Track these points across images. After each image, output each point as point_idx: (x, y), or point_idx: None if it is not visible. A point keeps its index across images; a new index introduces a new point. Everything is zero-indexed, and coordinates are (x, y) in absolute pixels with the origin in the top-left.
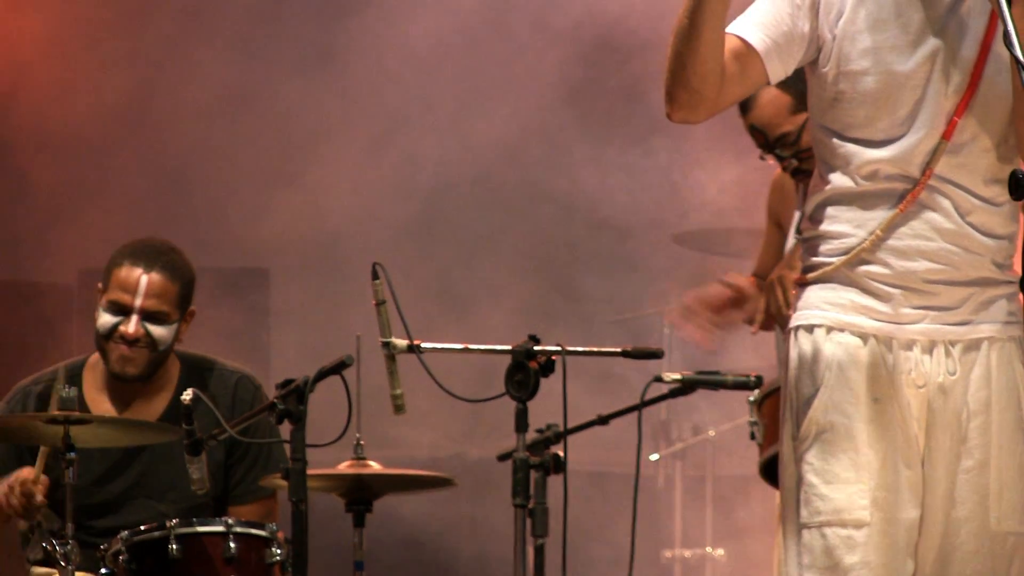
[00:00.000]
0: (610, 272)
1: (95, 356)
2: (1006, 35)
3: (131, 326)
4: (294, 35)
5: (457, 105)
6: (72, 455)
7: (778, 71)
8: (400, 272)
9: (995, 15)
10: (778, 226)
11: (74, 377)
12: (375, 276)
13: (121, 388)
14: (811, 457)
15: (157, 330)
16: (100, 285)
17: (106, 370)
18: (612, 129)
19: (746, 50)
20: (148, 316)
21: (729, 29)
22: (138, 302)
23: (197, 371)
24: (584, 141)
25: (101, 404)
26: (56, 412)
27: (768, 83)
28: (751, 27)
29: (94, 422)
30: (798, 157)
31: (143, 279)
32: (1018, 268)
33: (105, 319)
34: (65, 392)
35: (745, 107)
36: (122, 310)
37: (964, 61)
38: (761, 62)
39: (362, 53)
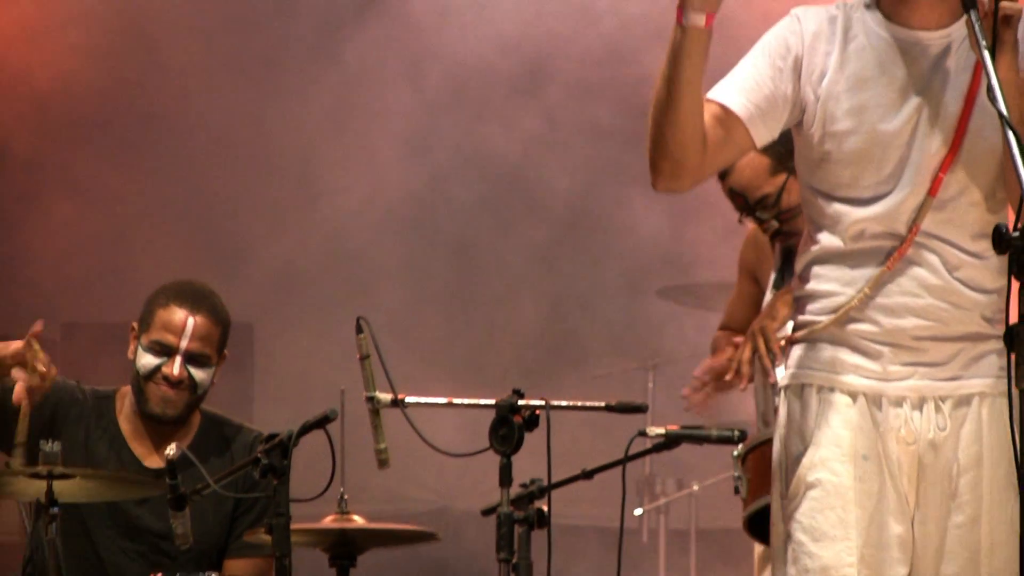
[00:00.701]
0: (596, 326)
1: (124, 390)
2: (990, 89)
3: (175, 368)
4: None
5: (441, 158)
6: (55, 510)
7: (763, 136)
8: (385, 325)
9: (979, 69)
10: (753, 280)
11: (106, 412)
12: (359, 330)
13: (147, 428)
14: (799, 515)
15: (199, 373)
16: (135, 325)
17: (135, 409)
18: None
19: (729, 116)
20: (191, 358)
21: (711, 95)
22: (183, 344)
23: (217, 425)
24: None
25: (140, 443)
26: (40, 467)
27: (755, 148)
28: (733, 92)
29: (78, 476)
30: (779, 219)
31: (190, 321)
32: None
33: (147, 360)
34: (49, 447)
35: (724, 171)
36: (166, 351)
37: (949, 117)
38: (745, 128)
39: (347, 112)
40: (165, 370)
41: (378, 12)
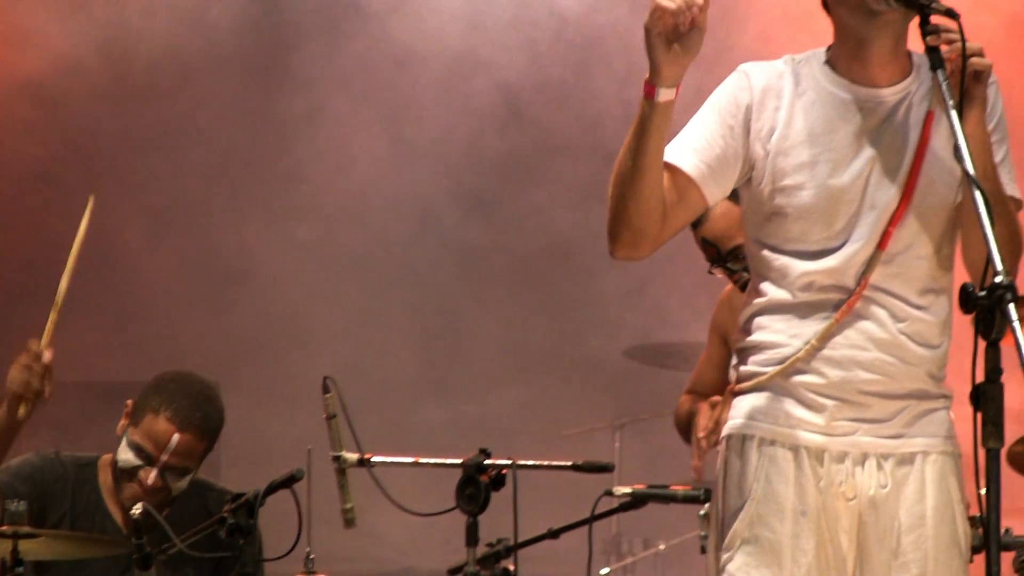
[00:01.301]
0: (563, 385)
1: (106, 458)
2: (957, 149)
3: (151, 477)
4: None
5: (403, 214)
6: (20, 569)
7: (716, 194)
8: (353, 385)
9: (930, 124)
10: (724, 342)
11: (88, 480)
12: (326, 390)
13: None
14: (734, 569)
15: (177, 482)
16: (129, 404)
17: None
18: None
19: (681, 178)
20: (170, 469)
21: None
22: (164, 457)
23: (199, 489)
24: None
25: (123, 512)
26: (5, 527)
27: (708, 207)
28: (685, 153)
29: (44, 536)
30: (749, 271)
31: (174, 438)
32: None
33: (128, 457)
34: (15, 506)
35: (696, 221)
36: (146, 458)
37: (899, 171)
38: (698, 188)
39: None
40: (142, 475)
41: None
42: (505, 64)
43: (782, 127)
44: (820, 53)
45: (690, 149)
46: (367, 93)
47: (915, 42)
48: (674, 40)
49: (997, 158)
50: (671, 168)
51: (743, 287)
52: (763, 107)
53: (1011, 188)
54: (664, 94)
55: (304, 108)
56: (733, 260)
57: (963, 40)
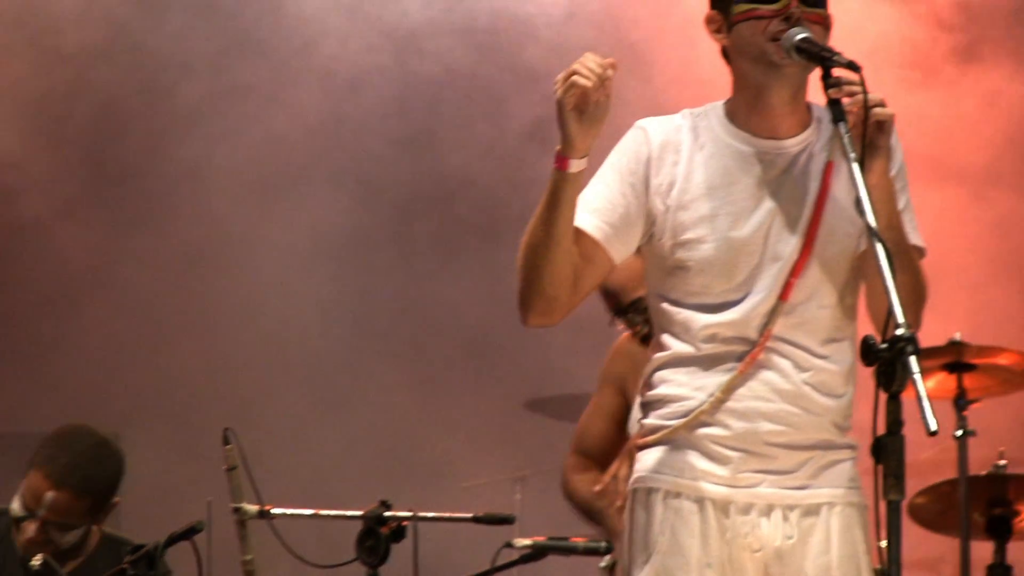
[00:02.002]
0: (463, 437)
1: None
2: (859, 202)
3: (32, 530)
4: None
5: (318, 279)
6: None
7: (622, 253)
8: (253, 436)
9: (829, 174)
10: (619, 392)
11: (2, 529)
12: (226, 441)
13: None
14: None
15: (60, 536)
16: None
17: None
18: None
19: (588, 241)
20: (51, 524)
21: None
22: (41, 513)
23: (114, 544)
24: None
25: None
26: None
27: (615, 266)
28: (588, 216)
29: None
30: (649, 323)
31: (48, 495)
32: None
33: (15, 507)
34: None
35: None
36: (28, 511)
37: (799, 222)
38: (604, 250)
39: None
40: (24, 527)
41: None
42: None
43: (681, 181)
44: (719, 106)
45: (593, 211)
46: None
47: (816, 93)
48: (584, 111)
49: (899, 206)
50: (577, 232)
51: (643, 339)
52: (662, 162)
53: (914, 237)
54: (576, 165)
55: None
56: (634, 312)
57: (865, 92)
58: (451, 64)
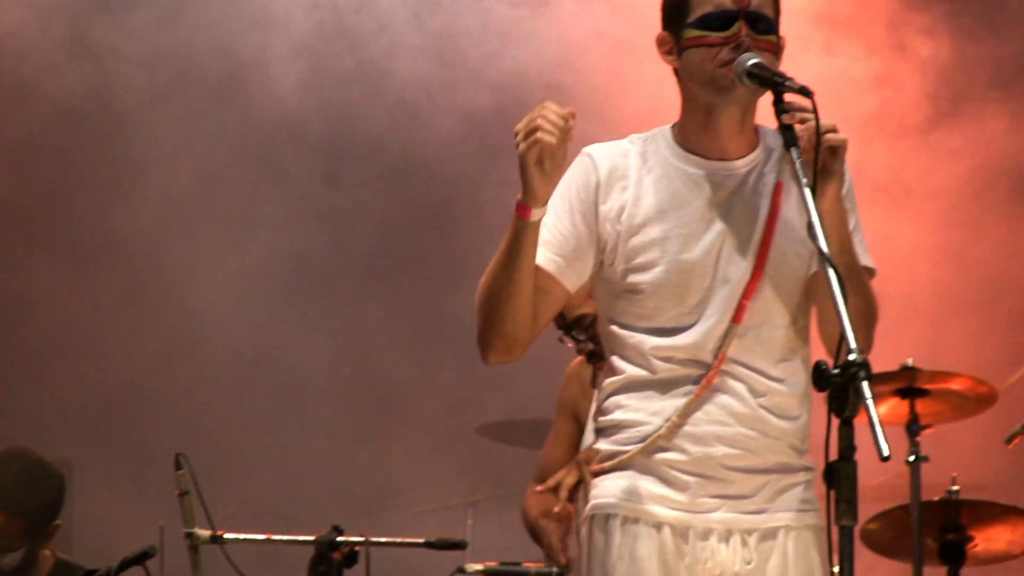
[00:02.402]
0: (415, 462)
1: None
2: (811, 227)
3: None
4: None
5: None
6: None
7: (575, 282)
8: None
9: (778, 196)
10: (573, 418)
11: None
12: (178, 466)
13: None
14: None
15: (2, 558)
16: None
17: None
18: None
19: (543, 275)
20: None
21: None
22: None
23: (68, 569)
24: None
25: None
26: None
27: (570, 296)
28: (541, 249)
29: None
30: (594, 340)
31: None
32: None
33: None
34: None
35: None
36: None
37: (750, 244)
38: (559, 282)
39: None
40: None
41: None
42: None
43: (631, 206)
44: (665, 130)
45: (545, 243)
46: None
47: (766, 118)
48: (545, 162)
49: (849, 227)
50: (538, 270)
51: (588, 356)
52: (610, 188)
53: (865, 258)
54: (538, 213)
55: None
56: (578, 329)
57: (816, 118)
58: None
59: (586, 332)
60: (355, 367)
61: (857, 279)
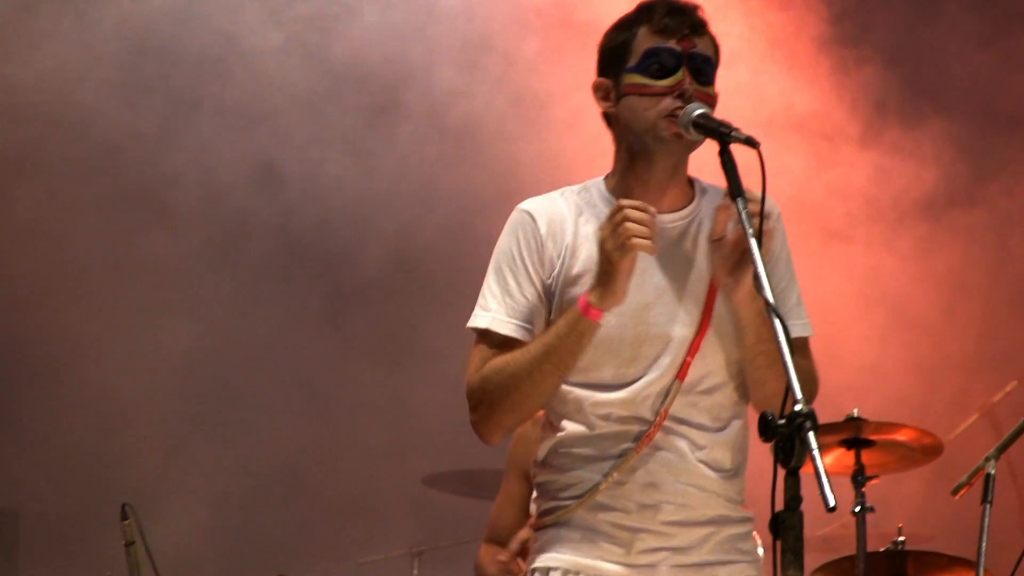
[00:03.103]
0: (360, 512)
1: None
2: (756, 278)
3: None
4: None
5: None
6: None
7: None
8: (150, 509)
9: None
10: (523, 478)
11: None
12: (124, 516)
13: None
14: None
15: None
16: None
17: None
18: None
19: (513, 342)
20: None
21: (485, 325)
22: None
23: None
24: None
25: None
26: None
27: None
28: (505, 322)
29: None
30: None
31: None
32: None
33: None
34: None
35: None
36: None
37: (694, 300)
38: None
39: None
40: None
41: None
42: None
43: (569, 259)
44: (599, 182)
45: (507, 313)
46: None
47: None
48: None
49: (793, 297)
50: (509, 340)
51: None
52: (551, 241)
53: (805, 327)
54: (604, 317)
55: None
56: None
57: (763, 171)
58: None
59: None
60: (302, 417)
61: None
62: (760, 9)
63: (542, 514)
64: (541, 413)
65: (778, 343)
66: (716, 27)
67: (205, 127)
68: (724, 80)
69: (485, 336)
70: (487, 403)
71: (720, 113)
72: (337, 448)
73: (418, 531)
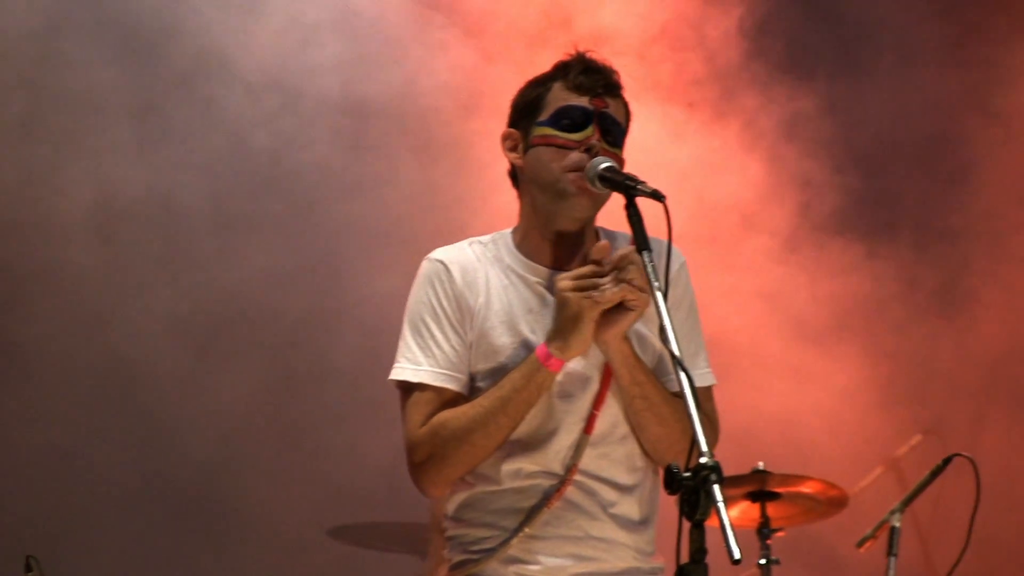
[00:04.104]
0: (263, 564)
1: None
2: (662, 330)
3: None
4: None
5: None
6: None
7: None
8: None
9: None
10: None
11: None
12: (28, 568)
13: None
14: None
15: None
16: None
17: None
18: None
19: (453, 395)
20: None
21: (417, 379)
22: None
23: None
24: None
25: None
26: None
27: None
28: (444, 376)
29: None
30: None
31: None
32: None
33: None
34: None
35: None
36: None
37: (596, 353)
38: (459, 394)
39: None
40: None
41: None
42: None
43: (482, 310)
44: (506, 235)
45: (439, 366)
46: None
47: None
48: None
49: (694, 346)
50: (443, 391)
51: None
52: (467, 291)
53: (708, 376)
54: (565, 366)
55: None
56: None
57: (669, 224)
58: None
59: None
60: (201, 471)
61: (669, 408)
62: None
63: (453, 567)
64: None
65: (683, 395)
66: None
67: None
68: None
69: (418, 389)
70: (438, 456)
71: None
72: (237, 498)
73: None
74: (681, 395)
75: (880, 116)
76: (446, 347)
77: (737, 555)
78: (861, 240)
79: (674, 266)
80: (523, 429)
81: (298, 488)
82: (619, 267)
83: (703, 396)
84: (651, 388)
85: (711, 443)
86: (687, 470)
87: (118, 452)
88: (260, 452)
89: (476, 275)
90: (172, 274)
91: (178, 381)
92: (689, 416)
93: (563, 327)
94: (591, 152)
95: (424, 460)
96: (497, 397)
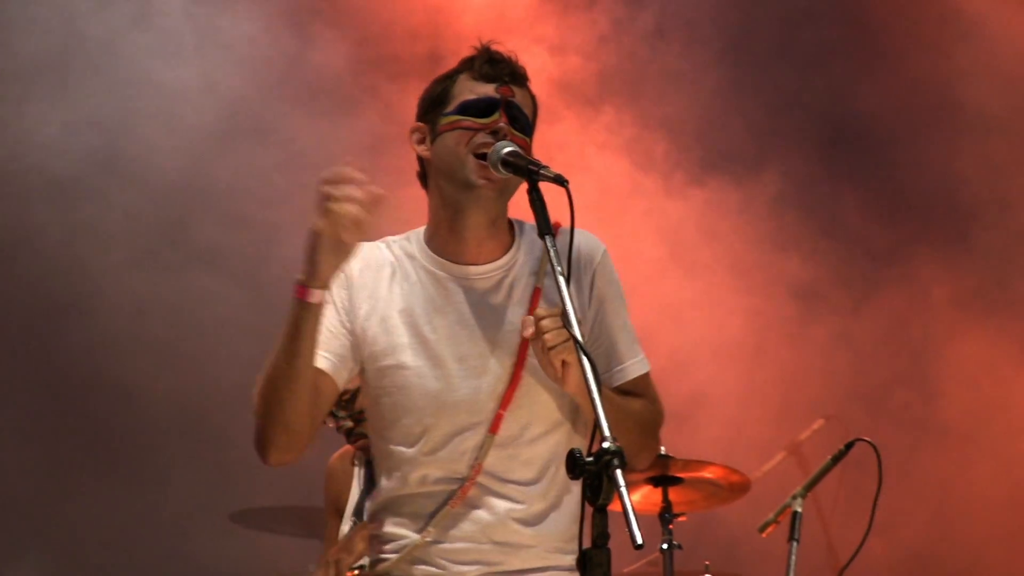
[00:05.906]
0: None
1: None
2: (564, 315)
3: None
4: None
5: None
6: None
7: (346, 378)
8: None
9: (536, 301)
10: (339, 514)
11: None
12: None
13: None
14: None
15: None
16: None
17: None
18: None
19: (318, 372)
20: None
21: None
22: None
23: None
24: None
25: None
26: None
27: (339, 393)
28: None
29: None
30: (354, 418)
31: None
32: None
33: None
34: None
35: None
36: None
37: (506, 352)
38: (331, 379)
39: None
40: None
41: None
42: None
43: (382, 309)
44: (420, 232)
45: (321, 344)
46: None
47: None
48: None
49: (626, 335)
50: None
51: (347, 435)
52: (363, 288)
53: (641, 363)
54: (319, 295)
55: None
56: (336, 407)
57: (572, 208)
58: None
59: (345, 409)
60: (103, 451)
61: (626, 413)
62: None
63: (370, 565)
64: (349, 448)
65: (586, 380)
66: None
67: None
68: None
69: None
70: (257, 416)
71: None
72: (146, 483)
73: (226, 569)
74: (584, 379)
75: None
76: (328, 326)
77: (639, 540)
78: None
79: (596, 256)
80: (423, 430)
81: (205, 472)
82: (536, 336)
83: (644, 383)
84: (612, 391)
85: (658, 425)
86: (590, 455)
87: None
88: (174, 433)
89: (380, 272)
90: None
91: None
92: (592, 402)
93: (307, 254)
94: (497, 136)
95: (257, 426)
96: (277, 339)
